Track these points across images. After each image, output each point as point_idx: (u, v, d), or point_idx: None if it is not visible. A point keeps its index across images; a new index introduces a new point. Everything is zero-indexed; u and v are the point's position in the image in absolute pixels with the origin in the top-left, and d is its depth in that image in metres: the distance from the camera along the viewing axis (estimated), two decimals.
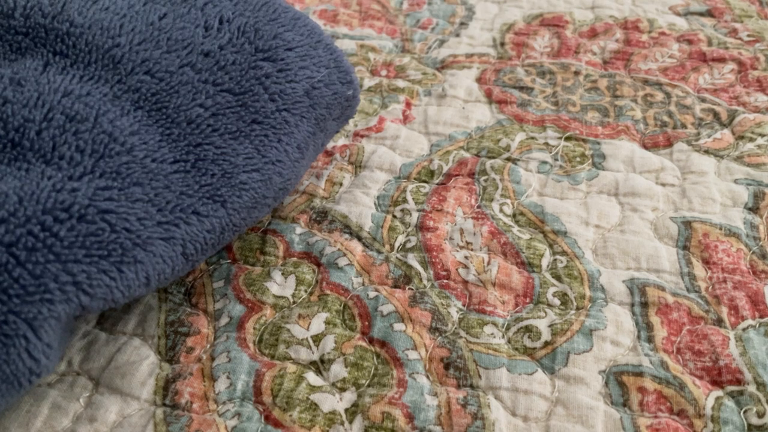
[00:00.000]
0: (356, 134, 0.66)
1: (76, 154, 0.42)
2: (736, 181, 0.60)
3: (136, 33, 0.47)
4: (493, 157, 0.63)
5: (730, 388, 0.44)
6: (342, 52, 0.56)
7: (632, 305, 0.49)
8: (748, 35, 0.79)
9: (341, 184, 0.60)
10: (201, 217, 0.45)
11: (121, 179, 0.42)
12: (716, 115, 0.68)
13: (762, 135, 0.65)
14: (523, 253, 0.53)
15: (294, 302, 0.50)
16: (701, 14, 0.84)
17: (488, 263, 0.53)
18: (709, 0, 0.87)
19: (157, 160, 0.44)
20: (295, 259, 0.53)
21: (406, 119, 0.68)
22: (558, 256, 0.53)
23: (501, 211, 0.57)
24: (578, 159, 0.63)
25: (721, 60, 0.76)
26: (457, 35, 0.82)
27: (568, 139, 0.65)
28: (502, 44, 0.80)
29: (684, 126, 0.66)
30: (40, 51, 0.46)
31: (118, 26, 0.47)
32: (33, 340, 0.37)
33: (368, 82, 0.74)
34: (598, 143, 0.64)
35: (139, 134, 0.44)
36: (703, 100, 0.70)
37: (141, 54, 0.47)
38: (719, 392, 0.44)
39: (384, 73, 0.75)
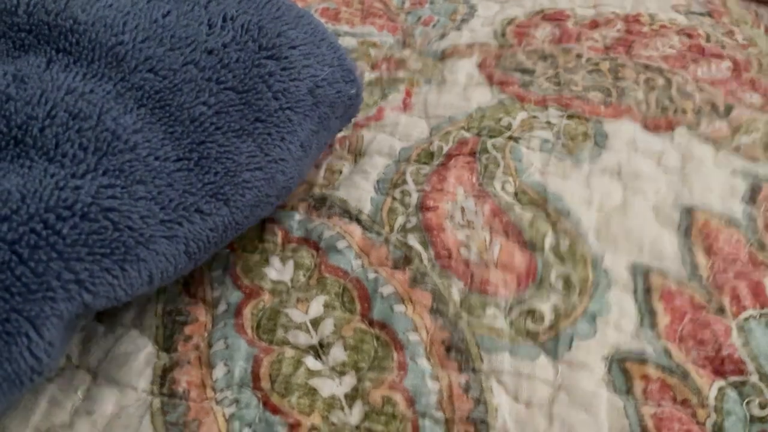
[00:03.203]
0: (356, 125, 0.64)
1: (79, 152, 0.41)
2: (733, 173, 0.58)
3: (140, 30, 0.46)
4: (495, 136, 0.61)
5: (733, 378, 0.43)
6: (345, 51, 0.54)
7: (635, 290, 0.48)
8: (743, 39, 0.78)
9: (341, 172, 0.59)
10: (204, 216, 0.44)
11: (124, 177, 0.41)
12: (714, 105, 0.66)
13: (757, 129, 0.63)
14: (526, 232, 0.52)
15: (292, 286, 0.49)
16: (701, 15, 0.83)
17: (490, 243, 0.51)
18: (709, 4, 0.85)
19: (160, 158, 0.43)
20: (293, 244, 0.52)
21: (406, 107, 0.67)
22: (561, 237, 0.51)
23: (503, 189, 0.55)
24: (580, 137, 0.61)
25: (719, 56, 0.74)
26: (458, 29, 0.81)
27: (570, 117, 0.63)
28: (503, 35, 0.79)
29: (684, 112, 0.65)
30: (43, 48, 0.45)
31: (121, 23, 0.46)
32: (35, 338, 0.37)
33: (369, 75, 0.72)
34: (600, 122, 0.63)
35: (142, 132, 0.43)
36: (702, 90, 0.68)
37: (144, 51, 0.46)
38: (722, 382, 0.43)
39: (384, 66, 0.74)
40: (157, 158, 0.43)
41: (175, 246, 0.43)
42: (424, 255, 0.51)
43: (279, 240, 0.53)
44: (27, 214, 0.37)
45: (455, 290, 0.48)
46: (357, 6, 0.87)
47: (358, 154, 0.61)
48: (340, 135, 0.63)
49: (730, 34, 0.79)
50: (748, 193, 0.56)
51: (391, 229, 0.53)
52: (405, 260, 0.50)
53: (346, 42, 0.78)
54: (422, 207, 0.54)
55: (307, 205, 0.55)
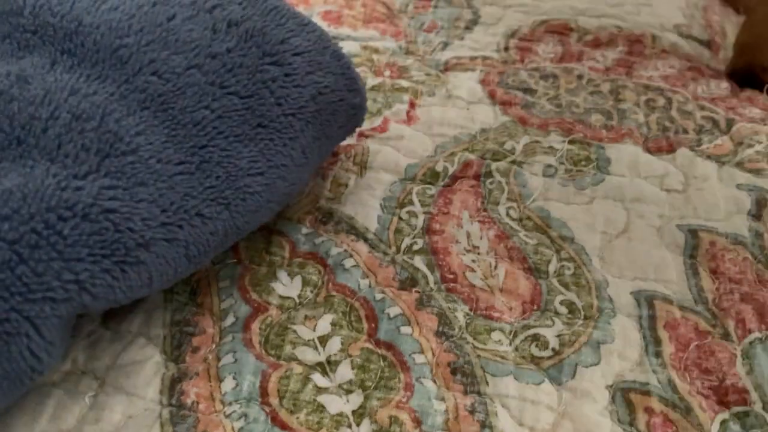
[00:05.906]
0: (360, 134, 0.65)
1: (81, 153, 0.40)
2: (738, 187, 0.59)
3: (144, 33, 0.46)
4: (498, 160, 0.62)
5: (737, 408, 0.43)
6: (350, 60, 0.54)
7: (640, 317, 0.48)
8: None
9: (346, 186, 0.59)
10: (205, 219, 0.44)
11: (125, 179, 0.41)
12: (715, 122, 0.67)
13: (760, 142, 0.64)
14: (531, 258, 0.52)
15: (300, 303, 0.49)
16: (700, 42, 0.83)
17: (495, 267, 0.51)
18: (709, 28, 0.86)
19: (162, 160, 0.43)
20: (300, 259, 0.52)
21: (410, 120, 0.67)
22: (565, 263, 0.52)
23: (507, 215, 0.56)
24: (583, 163, 0.62)
25: (717, 78, 0.75)
26: (462, 38, 0.81)
27: (572, 142, 0.64)
28: (506, 49, 0.79)
29: (685, 131, 0.66)
30: (48, 49, 0.45)
31: (126, 26, 0.46)
32: (35, 338, 0.37)
33: (371, 81, 0.73)
34: (603, 147, 0.63)
35: (145, 134, 0.43)
36: (702, 108, 0.69)
37: (148, 54, 0.45)
38: (725, 414, 0.43)
39: (387, 73, 0.74)
40: (158, 161, 0.43)
41: (175, 249, 0.42)
42: (431, 277, 0.51)
43: (286, 253, 0.53)
44: (28, 213, 0.37)
45: (460, 314, 0.48)
46: (359, 9, 0.87)
47: (363, 166, 0.61)
48: (344, 143, 0.63)
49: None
50: (754, 207, 0.57)
51: (398, 250, 0.53)
52: (411, 281, 0.51)
53: (349, 46, 0.78)
54: (428, 230, 0.55)
55: (314, 219, 0.55)
